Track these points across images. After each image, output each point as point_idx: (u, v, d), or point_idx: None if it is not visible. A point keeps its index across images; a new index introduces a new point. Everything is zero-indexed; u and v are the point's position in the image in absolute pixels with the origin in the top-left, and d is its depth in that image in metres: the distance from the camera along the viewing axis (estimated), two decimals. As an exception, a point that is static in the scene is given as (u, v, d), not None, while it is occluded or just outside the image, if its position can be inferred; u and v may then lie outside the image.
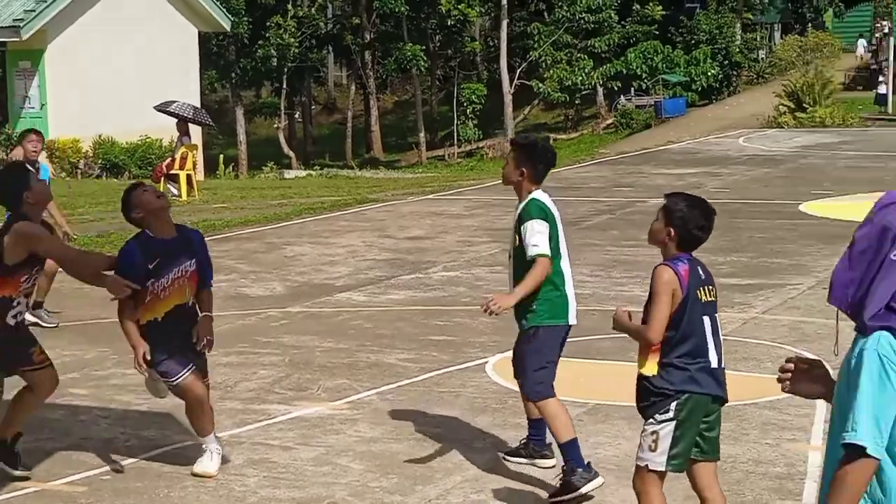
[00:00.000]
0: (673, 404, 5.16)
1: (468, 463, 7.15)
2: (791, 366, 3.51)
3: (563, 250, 6.57)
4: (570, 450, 6.43)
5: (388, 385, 8.91)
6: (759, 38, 49.85)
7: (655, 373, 5.20)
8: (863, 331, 3.23)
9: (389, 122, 53.43)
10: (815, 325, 10.38)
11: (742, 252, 14.21)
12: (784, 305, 11.45)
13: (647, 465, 5.23)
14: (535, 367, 6.48)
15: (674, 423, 5.15)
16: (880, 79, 38.72)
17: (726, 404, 5.40)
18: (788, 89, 35.43)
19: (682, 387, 5.15)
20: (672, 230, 5.26)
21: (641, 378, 5.28)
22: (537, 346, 6.47)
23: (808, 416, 7.95)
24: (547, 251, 6.32)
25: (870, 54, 46.64)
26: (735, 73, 45.58)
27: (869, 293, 3.21)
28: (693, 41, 45.47)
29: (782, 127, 33.74)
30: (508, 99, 44.19)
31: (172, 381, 6.72)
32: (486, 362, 9.46)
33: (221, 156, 31.97)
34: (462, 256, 14.34)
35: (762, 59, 48.25)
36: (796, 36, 46.85)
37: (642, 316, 5.27)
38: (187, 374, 6.71)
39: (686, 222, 5.27)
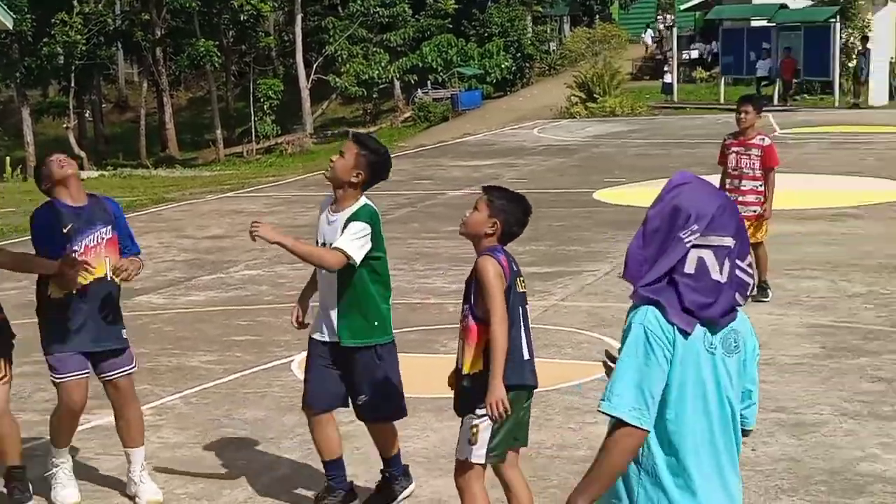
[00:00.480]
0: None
1: (277, 463, 7.08)
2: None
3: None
4: (394, 461, 6.37)
5: (192, 388, 8.75)
6: (549, 31, 50.91)
7: (479, 369, 5.22)
8: (636, 304, 3.34)
9: (184, 119, 52.42)
10: (612, 310, 10.66)
11: (541, 241, 14.49)
12: (582, 292, 11.73)
13: (467, 459, 5.26)
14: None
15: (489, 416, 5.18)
16: (665, 68, 40.06)
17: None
18: (579, 80, 36.30)
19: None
20: (496, 222, 5.29)
21: (462, 376, 5.30)
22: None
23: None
24: (353, 256, 5.82)
25: (655, 45, 48.19)
26: (528, 65, 46.45)
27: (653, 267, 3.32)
28: (486, 34, 46.12)
29: (575, 117, 34.55)
30: (306, 94, 43.94)
31: (56, 379, 6.31)
32: (292, 360, 9.38)
33: (8, 158, 30.81)
34: (264, 255, 14.19)
35: (553, 51, 49.31)
36: (585, 28, 48.06)
37: (477, 312, 5.25)
38: (75, 377, 6.29)
39: (509, 215, 5.32)
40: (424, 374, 8.06)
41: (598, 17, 53.09)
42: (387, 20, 44.55)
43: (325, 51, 45.19)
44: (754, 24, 37.09)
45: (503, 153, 25.94)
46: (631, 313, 3.33)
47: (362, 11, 44.14)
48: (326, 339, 6.05)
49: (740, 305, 3.37)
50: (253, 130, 43.61)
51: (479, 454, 5.23)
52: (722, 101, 36.11)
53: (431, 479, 6.48)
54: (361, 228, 5.83)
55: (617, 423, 3.27)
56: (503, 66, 44.51)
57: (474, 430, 5.21)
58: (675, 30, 42.61)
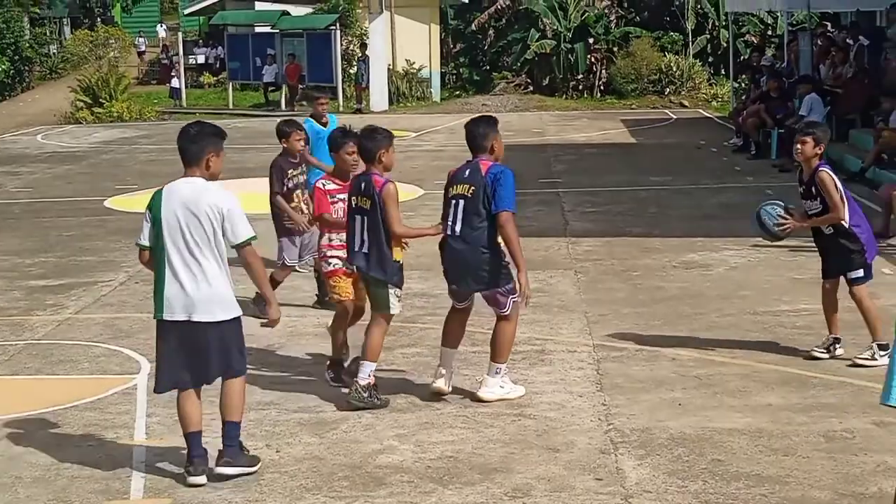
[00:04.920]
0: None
1: None
2: None
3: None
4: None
5: None
6: (48, 33, 48.98)
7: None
8: None
9: None
10: (130, 321, 10.45)
11: (50, 252, 13.93)
12: (98, 303, 11.39)
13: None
14: None
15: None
16: (173, 73, 39.75)
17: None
18: (84, 84, 35.19)
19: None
20: None
21: None
22: None
23: (129, 412, 7.99)
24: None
25: (162, 50, 47.65)
26: (27, 68, 44.41)
27: None
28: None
29: (81, 122, 33.46)
30: None
31: None
32: None
33: None
34: None
35: (54, 53, 47.50)
36: (87, 31, 46.67)
37: None
38: None
39: None
40: None
41: (99, 19, 51.74)
42: None
43: None
44: (258, 29, 37.65)
45: (5, 161, 24.63)
46: None
47: None
48: None
49: None
50: None
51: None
52: (231, 105, 36.38)
53: None
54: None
55: None
56: (0, 69, 42.26)
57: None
58: (180, 34, 42.35)
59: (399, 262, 7.90)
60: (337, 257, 8.48)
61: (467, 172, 7.90)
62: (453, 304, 8.13)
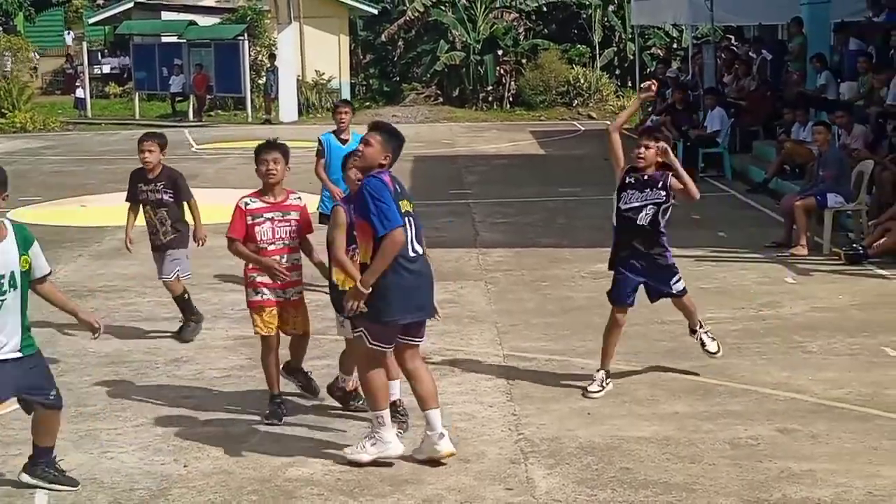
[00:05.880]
0: None
1: None
2: None
3: None
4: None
5: None
6: (-51, 41, 47.95)
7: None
8: None
9: None
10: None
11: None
12: (-1, 318, 11.14)
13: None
14: None
15: None
16: (77, 83, 39.16)
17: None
18: (-14, 94, 34.52)
19: None
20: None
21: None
22: None
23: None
24: None
25: (65, 59, 46.88)
26: (-74, 77, 43.43)
27: None
28: None
29: (-18, 133, 32.82)
30: None
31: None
32: None
33: None
34: None
35: (-45, 62, 46.52)
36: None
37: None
38: None
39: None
40: None
41: (1, 28, 50.78)
42: None
43: None
44: (165, 39, 37.24)
45: None
46: None
47: None
48: None
49: None
50: None
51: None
52: (137, 116, 35.91)
53: None
54: None
55: None
56: None
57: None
58: (85, 44, 41.75)
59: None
60: (266, 286, 7.77)
61: (402, 187, 7.10)
62: (382, 350, 7.04)
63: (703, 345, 8.86)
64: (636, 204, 8.38)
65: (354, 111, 12.36)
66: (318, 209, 11.40)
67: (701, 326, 8.89)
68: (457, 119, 33.78)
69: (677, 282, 8.62)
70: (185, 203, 10.26)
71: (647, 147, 8.38)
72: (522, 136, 28.84)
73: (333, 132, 11.62)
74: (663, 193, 8.36)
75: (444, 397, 8.30)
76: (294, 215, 7.85)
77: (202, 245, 10.43)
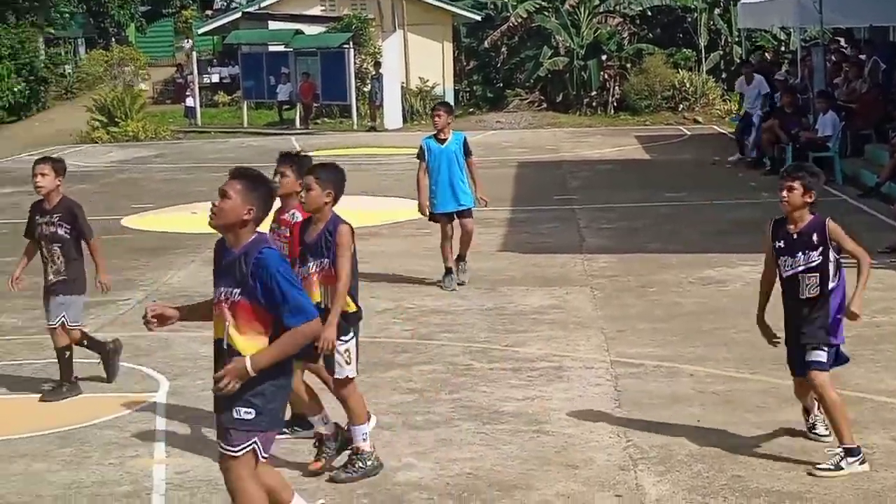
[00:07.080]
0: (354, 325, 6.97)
1: None
2: None
3: None
4: None
5: None
6: (63, 53, 49.25)
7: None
8: None
9: None
10: (147, 339, 10.47)
11: (67, 272, 13.96)
12: (116, 322, 11.44)
13: (347, 377, 6.92)
14: None
15: (354, 338, 6.97)
16: (187, 92, 39.90)
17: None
18: (99, 104, 35.34)
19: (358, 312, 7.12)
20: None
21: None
22: None
23: (149, 431, 8.01)
24: None
25: (175, 69, 47.85)
26: (42, 88, 44.62)
27: None
28: (-2, 57, 43.82)
29: (97, 142, 33.59)
30: None
31: None
32: None
33: None
34: None
35: (69, 73, 47.75)
36: (101, 50, 46.89)
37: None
38: None
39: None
40: None
41: (114, 39, 52.01)
42: None
43: None
44: (272, 48, 37.78)
45: (21, 181, 24.66)
46: None
47: None
48: None
49: None
50: None
51: (353, 368, 6.97)
52: (245, 124, 36.48)
53: None
54: None
55: None
56: (16, 89, 42.48)
57: (347, 353, 6.90)
58: (194, 54, 42.54)
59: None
60: None
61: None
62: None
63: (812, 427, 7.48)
64: (790, 272, 7.01)
65: (453, 112, 12.72)
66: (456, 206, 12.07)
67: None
68: (560, 124, 33.70)
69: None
70: (84, 241, 9.04)
71: (790, 189, 6.91)
72: (627, 140, 28.65)
73: (434, 135, 12.15)
74: (820, 253, 6.90)
75: (551, 403, 8.31)
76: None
77: (105, 292, 9.34)
